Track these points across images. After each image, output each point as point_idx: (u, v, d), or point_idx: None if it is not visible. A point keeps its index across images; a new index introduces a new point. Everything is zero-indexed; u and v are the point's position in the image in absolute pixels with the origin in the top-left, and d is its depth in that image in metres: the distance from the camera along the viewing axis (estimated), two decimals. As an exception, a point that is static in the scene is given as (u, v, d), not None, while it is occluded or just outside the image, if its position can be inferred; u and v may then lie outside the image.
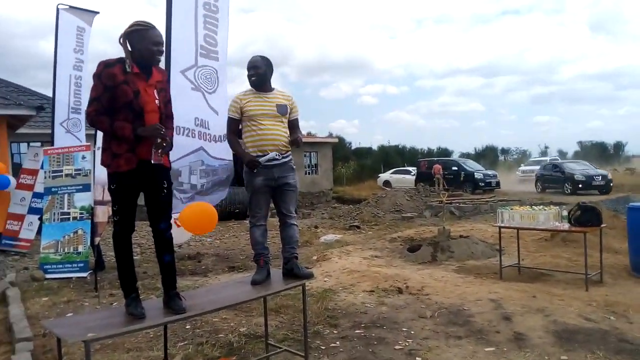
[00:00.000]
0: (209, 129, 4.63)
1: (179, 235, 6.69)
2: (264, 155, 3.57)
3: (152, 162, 2.90)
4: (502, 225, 6.37)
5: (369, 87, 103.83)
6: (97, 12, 8.76)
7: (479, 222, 12.10)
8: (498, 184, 23.24)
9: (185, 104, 4.51)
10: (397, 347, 4.07)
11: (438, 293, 5.62)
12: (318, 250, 8.95)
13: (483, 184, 22.54)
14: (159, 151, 2.90)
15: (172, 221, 3.15)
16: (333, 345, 4.13)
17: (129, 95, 2.82)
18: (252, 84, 3.70)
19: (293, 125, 3.81)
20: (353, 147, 45.98)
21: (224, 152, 4.78)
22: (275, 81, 3.83)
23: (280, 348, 3.91)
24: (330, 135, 38.16)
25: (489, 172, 24.26)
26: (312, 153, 26.92)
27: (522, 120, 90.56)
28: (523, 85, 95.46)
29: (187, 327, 4.70)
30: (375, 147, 47.08)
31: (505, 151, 51.47)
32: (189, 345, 4.20)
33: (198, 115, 4.65)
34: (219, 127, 4.62)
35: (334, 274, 6.76)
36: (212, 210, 3.95)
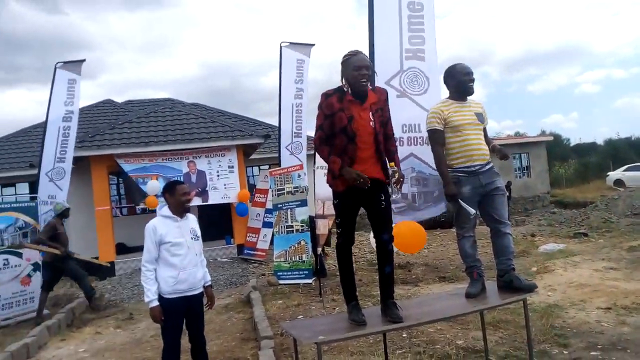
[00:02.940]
0: (420, 132, 4.60)
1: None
2: (472, 166, 3.50)
3: (393, 196, 3.17)
4: None
5: (587, 74, 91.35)
6: (313, 44, 9.80)
7: None
8: None
9: (391, 113, 4.58)
10: (647, 376, 3.47)
11: (701, 314, 4.60)
12: (537, 261, 8.20)
13: None
14: (397, 187, 3.15)
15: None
16: (564, 367, 3.74)
17: (344, 121, 3.08)
18: (468, 90, 3.64)
19: (485, 133, 3.72)
20: (572, 144, 40.96)
21: None
22: (475, 83, 3.72)
23: (502, 365, 3.71)
24: (543, 133, 34.65)
25: None
26: (522, 154, 24.85)
27: None
28: None
29: (403, 335, 4.82)
30: (600, 142, 41.07)
31: None
32: (407, 354, 4.31)
33: (405, 121, 4.66)
34: None
35: (559, 288, 6.11)
36: (420, 231, 4.02)
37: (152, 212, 11.41)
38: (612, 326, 4.57)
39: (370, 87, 3.21)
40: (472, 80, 3.63)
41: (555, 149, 33.95)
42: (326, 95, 3.14)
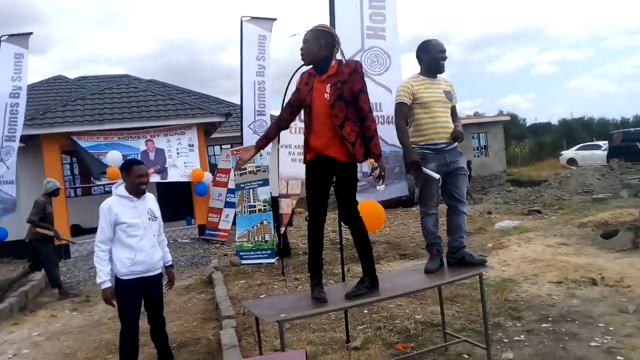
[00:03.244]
0: (381, 111, 4.56)
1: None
2: (438, 144, 3.51)
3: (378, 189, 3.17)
4: None
5: (544, 55, 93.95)
6: (275, 19, 9.54)
7: (697, 201, 10.09)
8: None
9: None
10: (592, 343, 3.66)
11: (643, 286, 4.88)
12: (493, 237, 8.48)
13: (700, 156, 18.57)
14: (379, 181, 3.12)
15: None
16: (517, 338, 3.90)
17: (305, 93, 3.15)
18: (440, 68, 3.61)
19: (454, 112, 3.71)
20: (528, 124, 42.32)
21: (395, 136, 4.68)
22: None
23: (459, 338, 3.83)
24: (501, 113, 35.64)
25: None
26: (480, 134, 25.47)
27: None
28: None
29: (364, 311, 4.90)
30: (555, 122, 42.65)
31: None
32: (367, 329, 4.39)
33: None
34: (391, 104, 4.57)
35: (513, 263, 6.35)
36: (379, 210, 4.01)
37: (108, 193, 11.06)
38: (562, 299, 4.79)
39: (336, 59, 3.13)
40: (445, 59, 3.60)
41: (512, 128, 34.96)
42: (302, 72, 3.32)
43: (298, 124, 3.53)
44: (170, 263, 3.78)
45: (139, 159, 10.07)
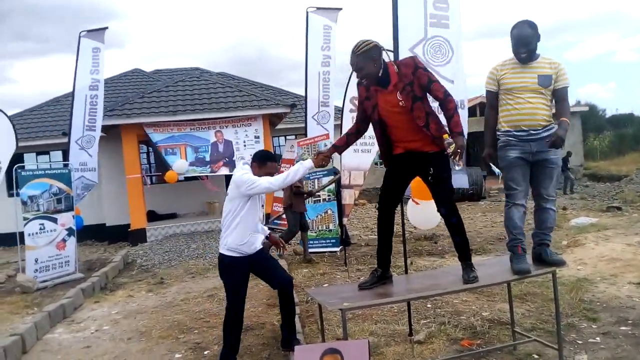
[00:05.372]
0: None
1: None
2: (521, 131, 3.27)
3: (456, 167, 3.08)
4: None
5: (626, 41, 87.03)
6: (341, 9, 9.53)
7: None
8: None
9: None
10: (679, 352, 3.40)
11: None
12: (568, 234, 8.05)
13: None
14: (455, 157, 2.98)
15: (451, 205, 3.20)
16: (592, 340, 3.69)
17: (368, 110, 3.20)
18: (521, 60, 3.35)
19: (558, 97, 3.35)
20: (608, 115, 39.49)
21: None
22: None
23: (529, 337, 3.68)
24: (578, 103, 33.43)
25: None
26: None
27: None
28: None
29: (428, 305, 4.83)
30: (638, 113, 39.43)
31: None
32: (431, 324, 4.32)
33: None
34: (455, 95, 4.45)
35: (590, 262, 5.99)
36: None
37: (181, 182, 11.62)
38: (644, 302, 4.47)
39: (391, 64, 3.09)
40: (524, 52, 3.31)
41: (590, 120, 32.80)
42: (358, 84, 3.28)
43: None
44: (269, 232, 4.05)
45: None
